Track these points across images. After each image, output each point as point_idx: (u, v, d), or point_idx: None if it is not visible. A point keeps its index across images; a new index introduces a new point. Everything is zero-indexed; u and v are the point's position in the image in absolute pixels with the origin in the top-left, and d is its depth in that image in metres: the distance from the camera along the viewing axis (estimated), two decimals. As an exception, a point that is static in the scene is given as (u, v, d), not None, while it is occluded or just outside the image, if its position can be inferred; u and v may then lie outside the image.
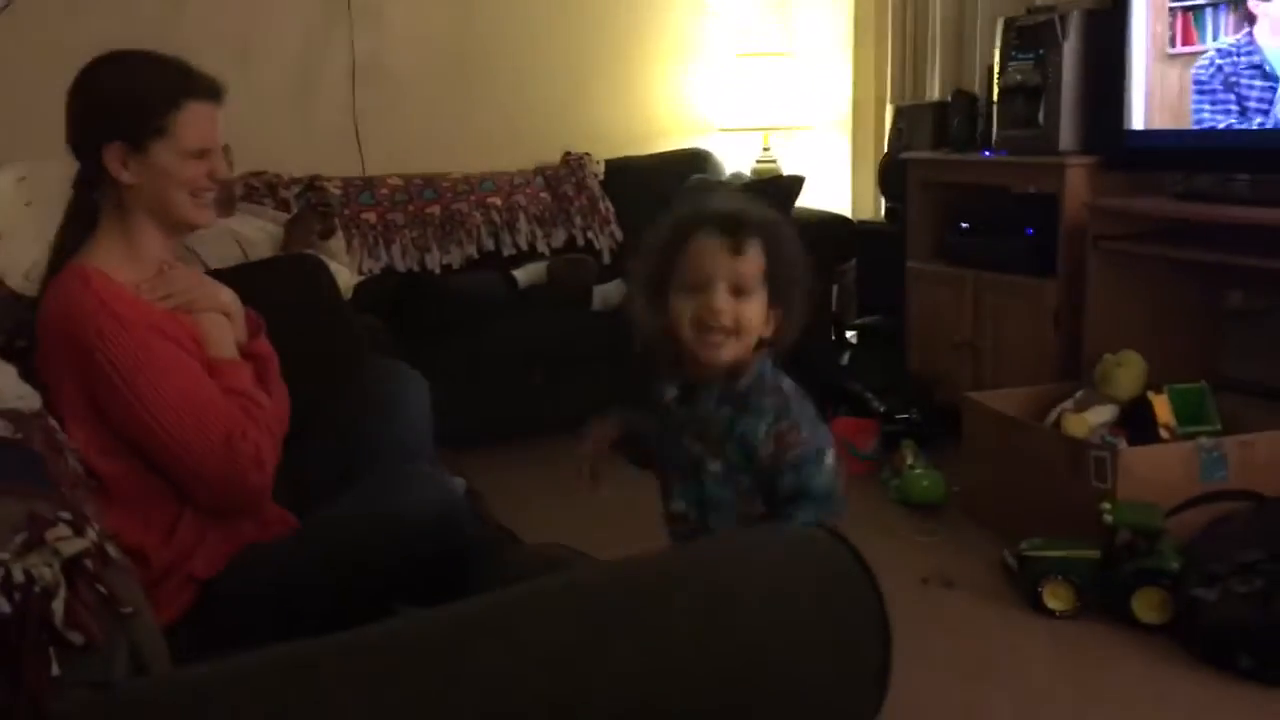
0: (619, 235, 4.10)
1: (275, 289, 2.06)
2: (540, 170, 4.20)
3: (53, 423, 1.36)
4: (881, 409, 3.35)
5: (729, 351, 1.42)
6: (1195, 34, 2.79)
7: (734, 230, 1.41)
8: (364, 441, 1.79)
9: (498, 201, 4.03)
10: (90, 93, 1.61)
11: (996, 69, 3.30)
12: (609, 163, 4.27)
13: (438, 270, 3.88)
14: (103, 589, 0.95)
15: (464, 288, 3.61)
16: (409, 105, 4.07)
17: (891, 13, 4.29)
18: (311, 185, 3.75)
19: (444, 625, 0.88)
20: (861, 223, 4.22)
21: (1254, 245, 2.57)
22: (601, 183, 4.21)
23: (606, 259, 4.02)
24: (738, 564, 0.95)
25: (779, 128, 4.46)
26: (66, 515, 0.99)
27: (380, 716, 0.78)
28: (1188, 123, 2.83)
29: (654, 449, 1.55)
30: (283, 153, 3.78)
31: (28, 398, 1.34)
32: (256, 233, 3.34)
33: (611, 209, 4.15)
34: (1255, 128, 2.67)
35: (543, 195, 4.13)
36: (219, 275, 1.89)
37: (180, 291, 1.65)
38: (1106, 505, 2.31)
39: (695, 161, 4.30)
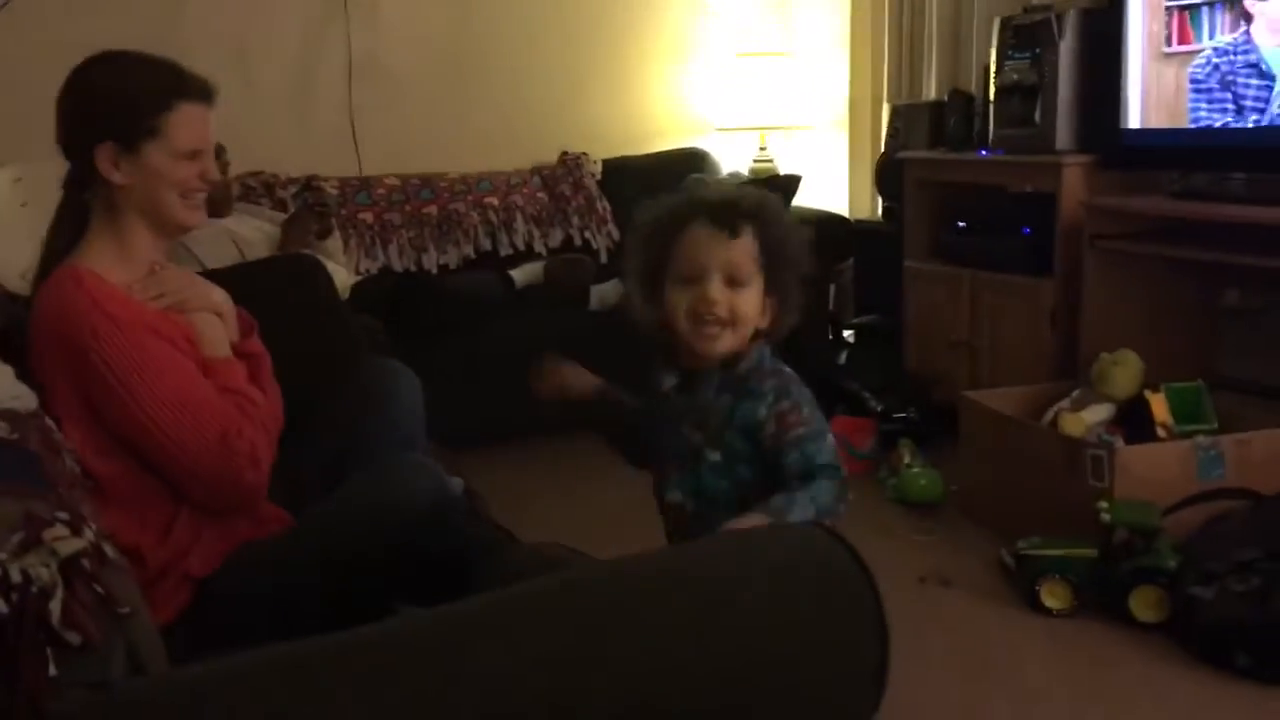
0: (616, 235, 4.10)
1: (272, 289, 2.06)
2: (537, 170, 4.20)
3: (49, 423, 1.36)
4: (879, 408, 3.36)
5: (725, 343, 1.42)
6: (1191, 33, 2.79)
7: (727, 220, 1.40)
8: (358, 438, 1.79)
9: (495, 201, 4.03)
10: (82, 93, 1.61)
11: (993, 68, 3.31)
12: (606, 162, 4.27)
13: (435, 270, 3.88)
14: (100, 589, 0.95)
15: (461, 288, 3.61)
16: (406, 105, 4.07)
17: (888, 12, 4.29)
18: (308, 185, 3.75)
19: (443, 625, 0.88)
20: (859, 222, 4.22)
21: (1250, 244, 2.57)
22: (599, 182, 4.21)
23: (604, 259, 4.03)
24: (736, 563, 0.95)
25: (776, 127, 4.47)
26: (64, 515, 0.99)
27: (379, 716, 0.78)
28: (1184, 121, 2.83)
29: (649, 443, 1.54)
30: (280, 153, 3.78)
31: (24, 398, 1.34)
32: (253, 233, 3.34)
33: (609, 209, 4.15)
34: (1251, 126, 2.67)
35: (540, 195, 4.13)
36: (216, 275, 1.89)
37: (172, 291, 1.65)
38: (1104, 504, 2.31)
39: (693, 161, 4.30)
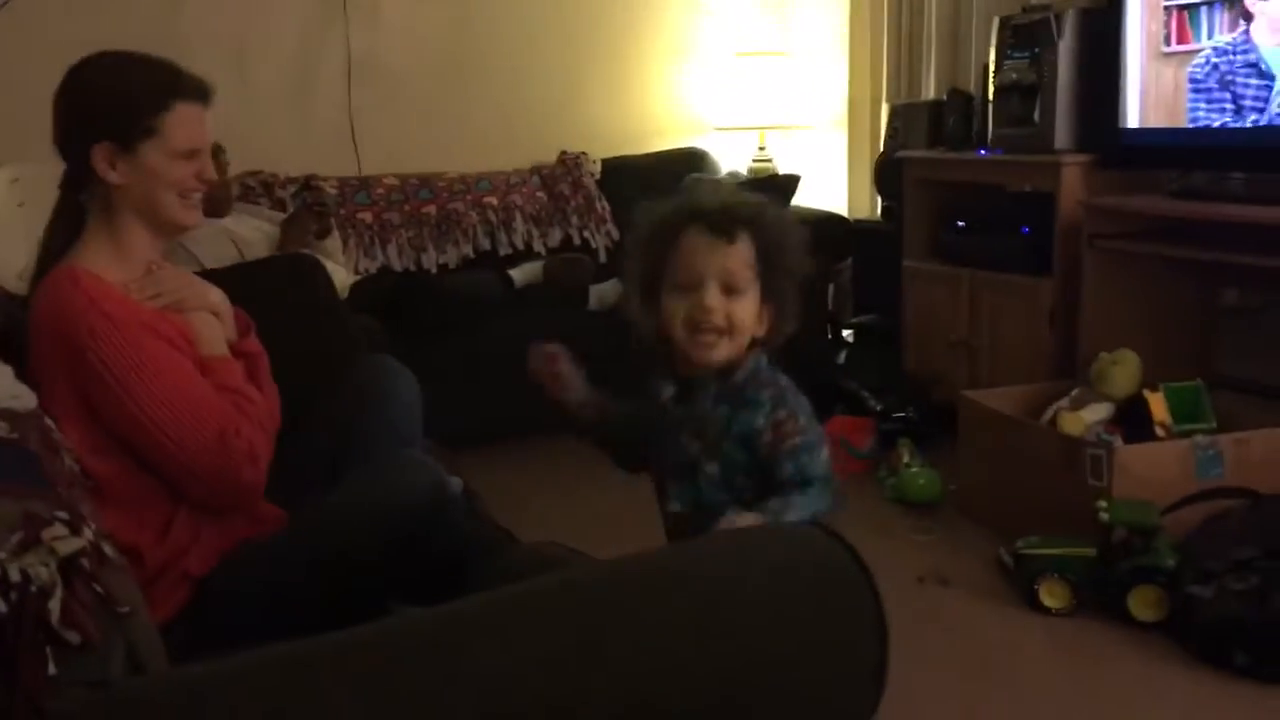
0: (615, 234, 4.10)
1: (271, 288, 2.06)
2: (536, 169, 4.20)
3: (49, 422, 1.36)
4: (878, 407, 3.36)
5: (722, 351, 1.41)
6: (1190, 33, 2.79)
7: (724, 227, 1.39)
8: (355, 437, 1.79)
9: (494, 201, 4.03)
10: (79, 93, 1.61)
11: (992, 68, 3.31)
12: (605, 162, 4.27)
13: (434, 270, 3.88)
14: (99, 588, 0.95)
15: (460, 287, 3.61)
16: (405, 105, 4.07)
17: (887, 12, 4.29)
18: (307, 185, 3.75)
19: (441, 624, 0.88)
20: (858, 221, 4.22)
21: (1249, 243, 2.57)
22: (598, 182, 4.21)
23: (603, 258, 4.03)
24: (735, 563, 0.95)
25: (775, 127, 4.47)
26: (63, 514, 0.99)
27: (377, 716, 0.78)
28: (1183, 121, 2.83)
29: (644, 449, 1.54)
30: (279, 152, 3.78)
31: (24, 397, 1.34)
32: (253, 232, 3.34)
33: (608, 208, 4.15)
34: (1250, 126, 2.68)
35: (539, 194, 4.13)
36: (215, 275, 1.89)
37: (169, 291, 1.65)
38: (1102, 503, 2.32)
39: (692, 160, 4.30)
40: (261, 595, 1.53)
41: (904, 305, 3.64)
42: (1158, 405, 2.63)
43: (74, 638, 0.87)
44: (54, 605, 0.87)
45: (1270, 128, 2.63)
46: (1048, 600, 2.33)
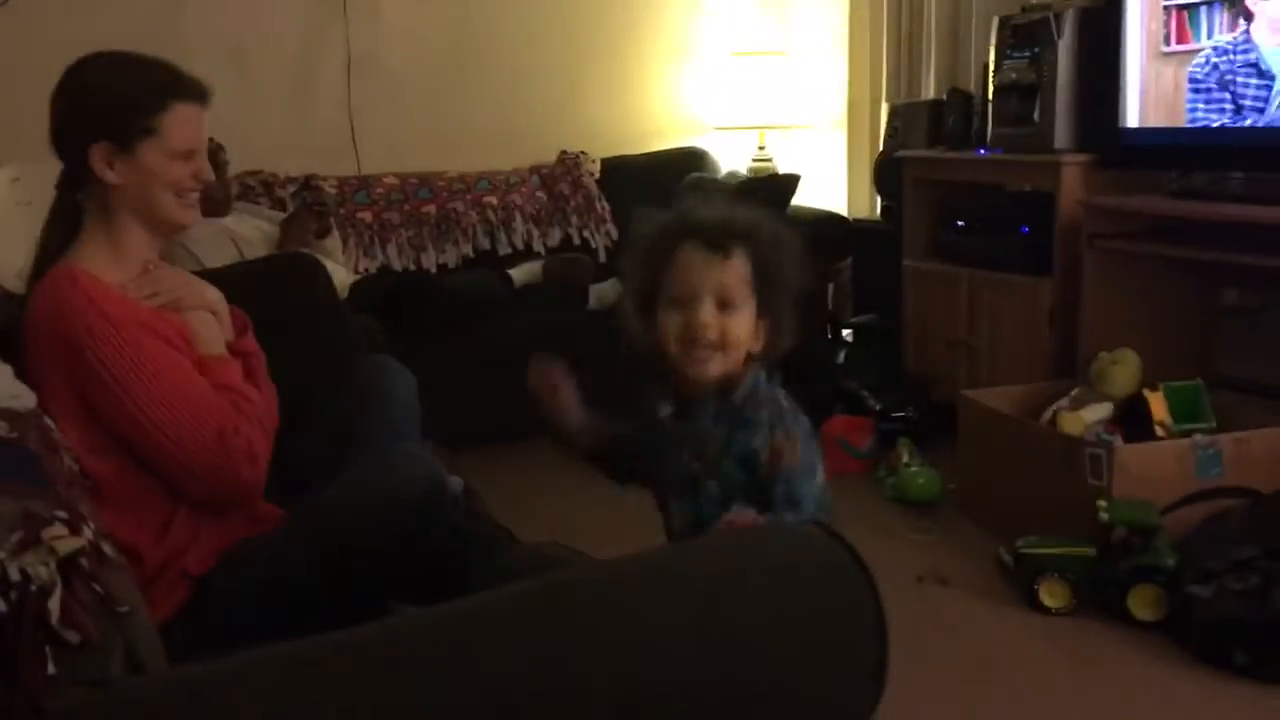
0: (615, 234, 4.10)
1: (271, 288, 2.06)
2: (536, 169, 4.20)
3: (48, 422, 1.36)
4: (877, 407, 3.36)
5: (715, 367, 1.39)
6: (1189, 33, 2.79)
7: (719, 242, 1.38)
8: (354, 436, 1.79)
9: (494, 200, 4.03)
10: (77, 93, 1.60)
11: (992, 67, 3.31)
12: (605, 161, 4.27)
13: (434, 269, 3.88)
14: (99, 588, 0.95)
15: (460, 287, 3.61)
16: (405, 104, 4.07)
17: (887, 11, 4.29)
18: (307, 184, 3.75)
19: (442, 624, 0.88)
20: (857, 221, 4.22)
21: (1249, 243, 2.57)
22: (597, 181, 4.21)
23: (602, 258, 4.03)
24: (735, 562, 0.95)
25: (775, 126, 4.47)
26: (62, 514, 0.99)
27: (378, 715, 0.78)
28: (1182, 121, 2.83)
29: (640, 465, 1.53)
30: (278, 152, 3.78)
31: (23, 397, 1.34)
32: (252, 232, 3.34)
33: (607, 208, 4.15)
34: (1250, 125, 2.68)
35: (539, 194, 4.13)
36: (214, 274, 1.89)
37: (167, 290, 1.65)
38: (1102, 503, 2.32)
39: (691, 160, 4.30)
40: (261, 594, 1.53)
41: (904, 305, 3.64)
42: (1157, 405, 2.63)
43: (73, 637, 0.87)
44: (53, 605, 0.87)
45: (1270, 128, 2.63)
46: (1047, 600, 2.33)
